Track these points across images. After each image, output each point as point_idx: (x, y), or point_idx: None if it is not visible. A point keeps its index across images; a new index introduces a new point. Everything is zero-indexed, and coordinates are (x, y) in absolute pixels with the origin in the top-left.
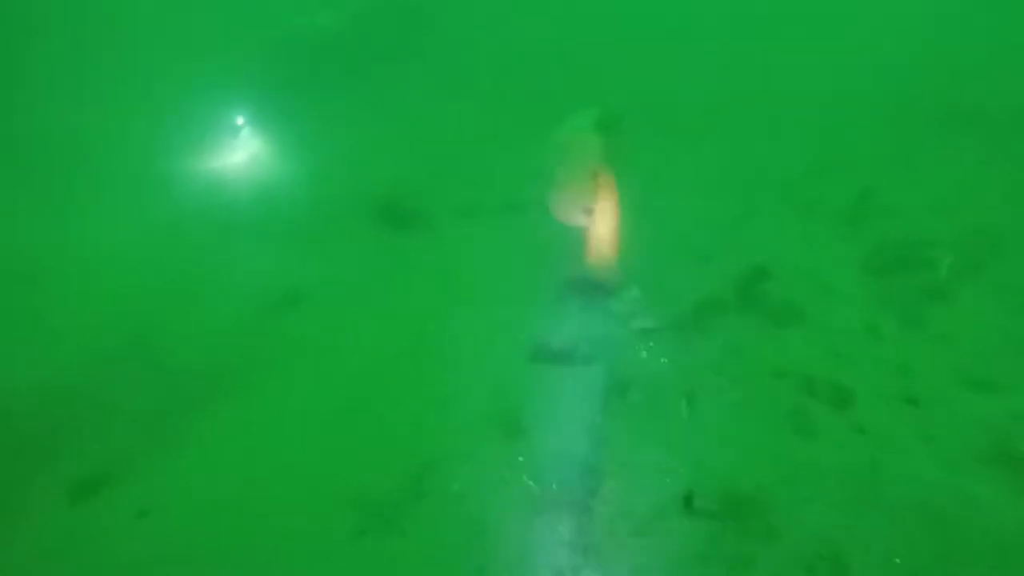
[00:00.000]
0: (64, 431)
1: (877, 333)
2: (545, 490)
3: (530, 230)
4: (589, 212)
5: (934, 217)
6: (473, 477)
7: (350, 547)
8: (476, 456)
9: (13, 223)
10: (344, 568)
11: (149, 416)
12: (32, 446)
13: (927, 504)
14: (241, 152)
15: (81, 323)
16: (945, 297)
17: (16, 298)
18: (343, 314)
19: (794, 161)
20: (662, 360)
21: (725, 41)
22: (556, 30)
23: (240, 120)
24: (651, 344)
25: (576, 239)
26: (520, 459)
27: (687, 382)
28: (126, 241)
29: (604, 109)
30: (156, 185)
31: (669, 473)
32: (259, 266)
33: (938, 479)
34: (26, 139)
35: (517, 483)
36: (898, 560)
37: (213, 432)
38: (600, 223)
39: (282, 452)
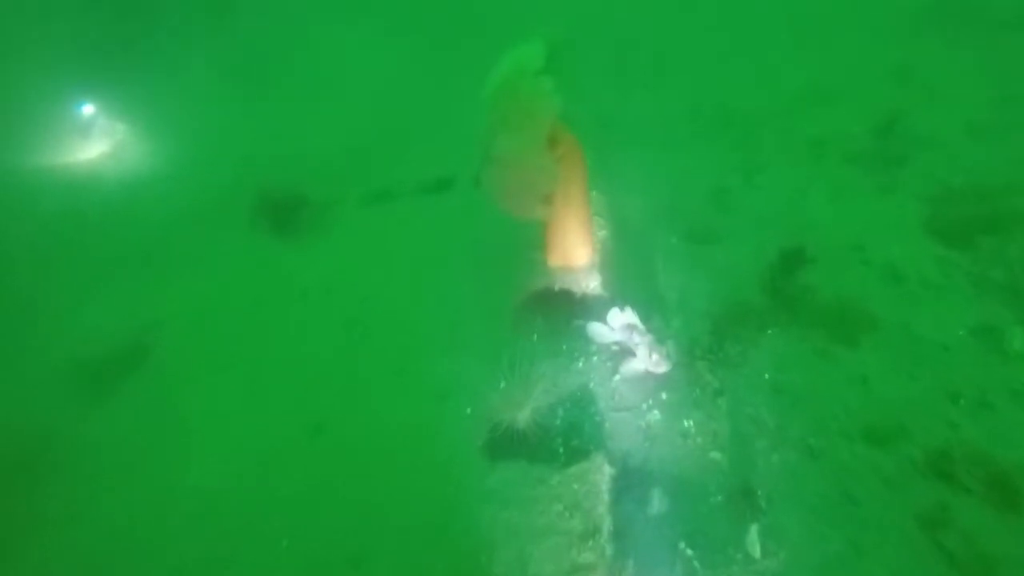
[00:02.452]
0: None
1: (998, 344)
2: None
3: (466, 221)
4: (547, 199)
5: (984, 146)
6: None
7: None
8: None
9: None
10: None
11: None
12: None
13: None
14: (80, 150)
15: None
16: None
17: None
18: (199, 384)
19: (785, 89)
20: (686, 424)
21: None
22: None
23: (80, 101)
24: (663, 397)
25: (531, 236)
26: None
27: (736, 469)
28: None
29: (551, 42)
30: None
31: None
32: (86, 308)
33: None
34: None
35: None
36: None
37: None
38: (564, 211)
39: None
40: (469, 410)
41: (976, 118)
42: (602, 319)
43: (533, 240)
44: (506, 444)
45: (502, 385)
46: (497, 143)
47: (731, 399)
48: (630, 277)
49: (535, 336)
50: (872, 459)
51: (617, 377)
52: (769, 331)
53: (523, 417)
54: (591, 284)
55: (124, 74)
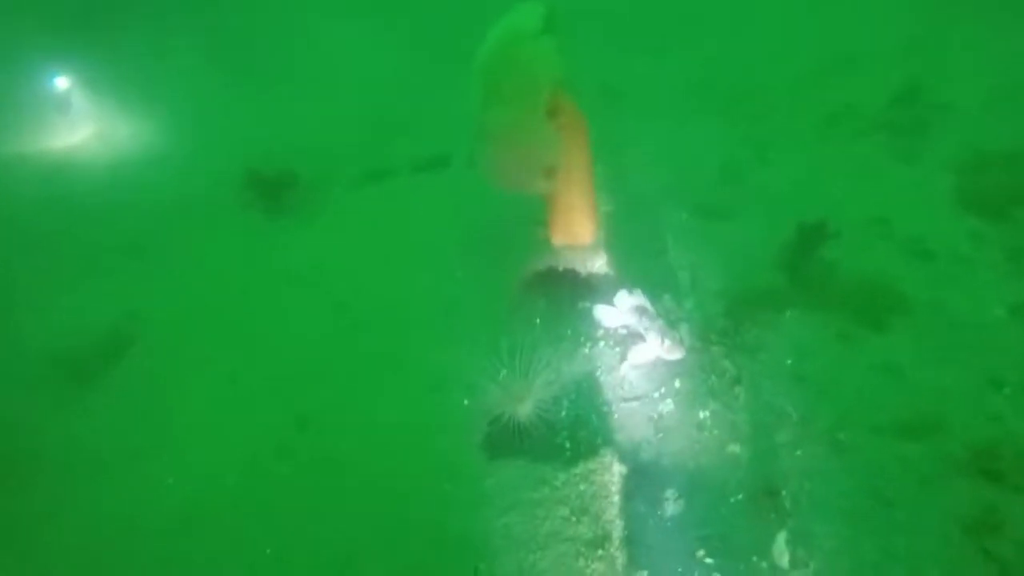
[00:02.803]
0: None
1: None
2: None
3: (464, 198)
4: (550, 172)
5: (1010, 112)
6: None
7: None
8: None
9: None
10: None
11: None
12: None
13: None
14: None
15: None
16: None
17: None
18: (185, 375)
19: (799, 56)
20: (701, 415)
21: None
22: None
23: (62, 82)
24: (676, 385)
25: (532, 212)
26: None
27: (757, 465)
28: None
29: (551, 4)
30: None
31: None
32: (67, 298)
33: None
34: None
35: None
36: None
37: None
38: (567, 186)
39: None
40: (466, 402)
41: (1000, 83)
42: (609, 301)
43: (534, 217)
44: (506, 440)
45: (502, 374)
46: (493, 114)
47: (750, 388)
48: (638, 256)
49: (537, 320)
50: (907, 455)
51: (626, 364)
52: (788, 313)
53: (524, 410)
54: (597, 263)
55: (109, 53)
